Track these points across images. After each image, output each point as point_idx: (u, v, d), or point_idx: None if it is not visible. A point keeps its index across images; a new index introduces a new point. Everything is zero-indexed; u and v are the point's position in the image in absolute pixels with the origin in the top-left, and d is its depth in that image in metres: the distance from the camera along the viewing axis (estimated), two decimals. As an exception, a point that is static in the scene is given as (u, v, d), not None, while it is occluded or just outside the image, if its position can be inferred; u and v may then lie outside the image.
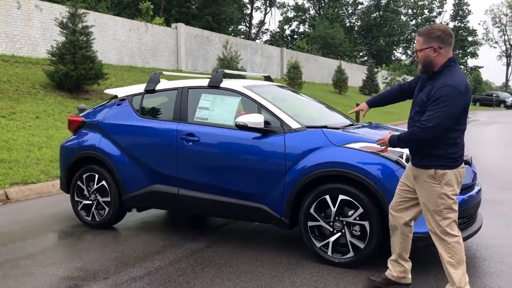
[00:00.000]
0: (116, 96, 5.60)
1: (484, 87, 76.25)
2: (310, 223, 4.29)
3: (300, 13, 67.62)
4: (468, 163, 4.21)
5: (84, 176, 5.49)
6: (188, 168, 4.86)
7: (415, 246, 3.91)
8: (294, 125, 4.48)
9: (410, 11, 72.38)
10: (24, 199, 6.98)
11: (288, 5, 67.85)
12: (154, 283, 3.89)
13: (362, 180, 4.04)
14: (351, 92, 36.14)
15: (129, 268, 4.23)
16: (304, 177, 4.26)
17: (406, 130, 3.47)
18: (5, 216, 6.07)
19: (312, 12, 68.80)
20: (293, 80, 27.00)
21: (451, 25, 73.24)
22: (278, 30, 66.26)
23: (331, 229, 4.21)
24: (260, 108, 4.68)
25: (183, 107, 5.04)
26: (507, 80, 77.58)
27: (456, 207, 3.36)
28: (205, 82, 5.16)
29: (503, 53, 76.55)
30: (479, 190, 4.48)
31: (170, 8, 40.12)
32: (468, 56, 74.63)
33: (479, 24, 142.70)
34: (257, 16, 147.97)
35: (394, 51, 72.70)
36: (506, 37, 76.19)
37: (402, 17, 71.02)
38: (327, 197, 4.19)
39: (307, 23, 66.90)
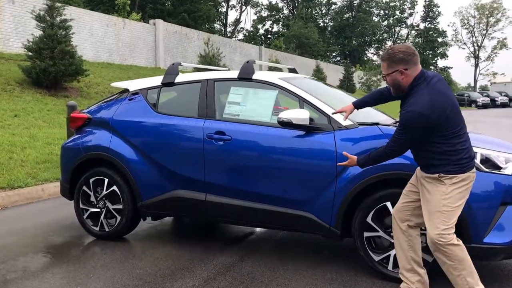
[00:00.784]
0: (126, 90, 4.95)
1: (453, 88, 77.52)
2: (366, 234, 3.76)
3: (274, 13, 67.25)
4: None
5: (91, 180, 4.81)
6: (217, 171, 4.27)
7: (494, 259, 3.44)
8: (344, 121, 3.94)
9: (382, 12, 72.98)
10: (12, 206, 6.25)
11: (262, 4, 67.10)
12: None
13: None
14: (329, 91, 35.94)
15: (159, 288, 3.62)
16: (361, 181, 3.71)
17: None
18: (-4, 226, 5.34)
19: (286, 11, 68.61)
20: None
21: (421, 26, 74.37)
22: (252, 29, 65.79)
23: (392, 240, 3.68)
24: (303, 102, 4.12)
25: (210, 101, 4.44)
26: (475, 81, 79.08)
27: (458, 213, 3.09)
28: (232, 74, 4.57)
29: (471, 54, 77.96)
30: None
31: (144, 5, 39.08)
32: (438, 57, 75.78)
33: (448, 25, 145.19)
34: (232, 15, 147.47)
35: (366, 52, 73.20)
36: (474, 38, 77.58)
37: (374, 17, 71.57)
38: (388, 204, 3.67)
39: (280, 22, 66.62)
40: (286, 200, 4.02)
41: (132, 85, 4.95)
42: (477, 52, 77.22)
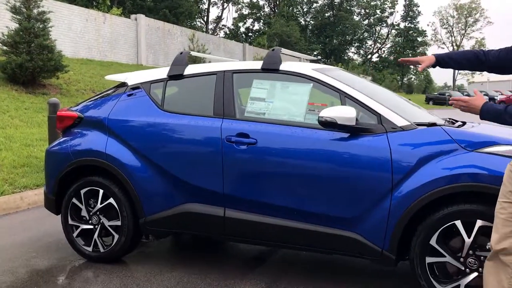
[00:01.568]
0: (124, 84, 4.17)
1: (432, 87, 78.08)
2: (429, 259, 3.07)
3: (255, 10, 66.48)
4: None
5: (83, 191, 4.02)
6: (239, 181, 3.53)
7: None
8: (399, 121, 3.24)
9: (363, 11, 72.82)
10: (-15, 218, 5.41)
11: (243, 2, 66.13)
12: None
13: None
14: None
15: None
16: (423, 196, 3.02)
17: None
18: (-34, 245, 4.50)
19: (267, 10, 67.91)
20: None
21: (402, 25, 74.45)
22: (233, 27, 64.98)
23: (462, 268, 3.01)
24: (345, 98, 3.41)
25: (228, 97, 3.69)
26: (454, 80, 79.59)
27: None
28: (254, 65, 3.84)
29: (451, 54, 78.39)
30: None
31: (124, 0, 37.94)
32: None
33: (428, 25, 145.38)
34: (214, 12, 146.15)
35: (347, 51, 72.97)
36: (453, 38, 78.13)
37: (355, 16, 71.41)
38: (458, 223, 2.99)
39: (262, 20, 65.91)
40: (326, 217, 3.30)
41: (131, 78, 4.17)
42: (456, 52, 77.73)
